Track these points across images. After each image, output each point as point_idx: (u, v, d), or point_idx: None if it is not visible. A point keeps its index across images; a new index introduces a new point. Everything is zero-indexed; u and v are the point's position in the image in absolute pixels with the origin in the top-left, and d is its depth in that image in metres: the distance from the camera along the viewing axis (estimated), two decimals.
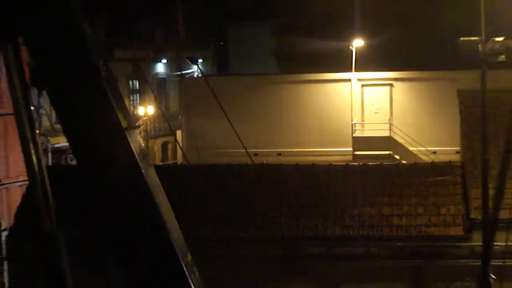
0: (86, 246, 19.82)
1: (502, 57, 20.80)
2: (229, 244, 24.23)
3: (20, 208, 26.15)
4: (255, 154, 29.74)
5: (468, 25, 23.49)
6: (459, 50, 22.78)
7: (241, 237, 24.45)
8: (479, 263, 20.99)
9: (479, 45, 21.93)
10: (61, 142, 35.15)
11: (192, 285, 10.64)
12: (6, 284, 26.38)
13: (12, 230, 25.80)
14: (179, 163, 46.58)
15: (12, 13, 10.00)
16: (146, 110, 46.49)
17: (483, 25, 22.03)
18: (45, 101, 30.45)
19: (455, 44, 22.99)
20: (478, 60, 22.18)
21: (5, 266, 26.31)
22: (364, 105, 45.38)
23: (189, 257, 10.80)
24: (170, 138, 48.78)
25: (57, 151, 37.43)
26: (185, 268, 10.54)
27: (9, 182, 34.08)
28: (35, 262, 11.03)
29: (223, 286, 18.54)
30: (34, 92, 10.68)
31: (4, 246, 26.70)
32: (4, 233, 27.25)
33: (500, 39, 20.64)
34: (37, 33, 10.17)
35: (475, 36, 22.23)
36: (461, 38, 22.72)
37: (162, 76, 52.64)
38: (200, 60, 48.45)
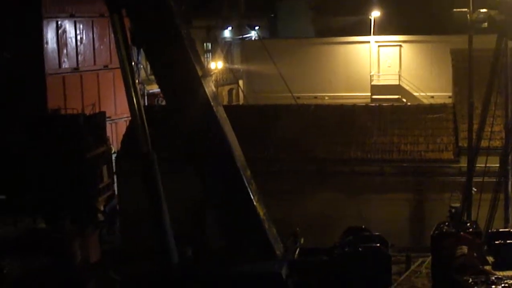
0: (173, 162, 19.95)
1: (485, 25, 20.26)
2: (278, 163, 24.30)
3: (125, 136, 26.51)
4: (298, 97, 29.62)
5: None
6: (453, 19, 22.19)
7: (286, 157, 24.50)
8: (464, 180, 20.87)
9: (468, 15, 21.46)
10: (154, 88, 35.31)
11: (250, 193, 10.75)
12: (116, 192, 26.85)
13: (119, 152, 26.18)
14: (241, 103, 46.62)
15: None
16: (216, 65, 46.35)
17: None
18: (142, 58, 30.55)
19: (449, 14, 22.40)
20: (467, 26, 21.73)
21: (115, 179, 26.73)
22: (380, 61, 44.97)
23: (248, 172, 10.88)
24: (234, 86, 48.66)
25: (151, 95, 37.74)
26: (245, 180, 10.66)
27: (117, 118, 34.51)
28: (136, 174, 11.22)
29: (272, 194, 18.66)
30: (134, 50, 10.76)
31: (114, 164, 27.11)
32: (114, 155, 27.64)
33: (484, 10, 20.10)
34: (136, 6, 10.22)
35: (465, 8, 21.65)
36: (454, 10, 22.12)
37: (228, 40, 52.28)
38: (256, 27, 47.90)
